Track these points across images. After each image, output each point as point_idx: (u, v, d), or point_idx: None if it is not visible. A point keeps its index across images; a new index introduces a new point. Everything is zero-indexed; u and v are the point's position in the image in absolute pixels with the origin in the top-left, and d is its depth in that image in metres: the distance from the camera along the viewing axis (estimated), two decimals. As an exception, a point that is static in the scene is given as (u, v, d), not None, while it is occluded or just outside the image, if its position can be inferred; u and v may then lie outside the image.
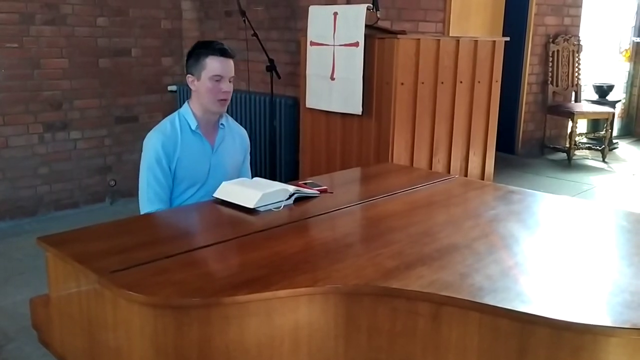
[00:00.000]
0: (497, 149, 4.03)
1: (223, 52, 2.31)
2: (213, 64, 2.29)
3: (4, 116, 4.13)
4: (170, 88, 4.96)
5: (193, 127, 2.37)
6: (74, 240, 1.69)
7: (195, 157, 2.37)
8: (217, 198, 2.05)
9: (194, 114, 2.38)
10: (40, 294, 1.81)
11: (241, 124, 2.68)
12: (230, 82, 2.34)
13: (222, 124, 2.47)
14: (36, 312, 1.78)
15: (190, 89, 2.39)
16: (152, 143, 2.31)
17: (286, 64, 4.25)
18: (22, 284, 3.27)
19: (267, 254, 1.62)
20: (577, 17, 6.26)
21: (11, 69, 4.11)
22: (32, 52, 4.19)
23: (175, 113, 2.42)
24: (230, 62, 2.34)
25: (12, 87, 4.13)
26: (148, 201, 2.29)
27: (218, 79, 2.30)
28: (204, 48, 2.33)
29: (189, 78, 2.36)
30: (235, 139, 2.54)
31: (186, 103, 2.42)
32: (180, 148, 2.34)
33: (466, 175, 3.76)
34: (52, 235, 1.70)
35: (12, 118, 4.17)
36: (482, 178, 3.87)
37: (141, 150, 2.34)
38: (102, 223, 1.90)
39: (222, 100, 2.34)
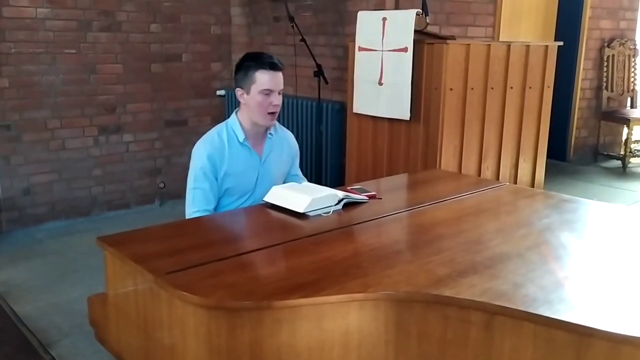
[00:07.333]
0: (548, 155, 3.94)
1: (272, 66, 2.28)
2: (263, 78, 2.27)
3: (62, 119, 4.29)
4: (218, 92, 5.05)
5: (241, 140, 2.37)
6: (131, 241, 1.74)
7: (243, 169, 2.37)
8: (267, 202, 2.08)
9: (242, 126, 2.37)
10: (94, 292, 1.87)
11: (288, 129, 2.66)
12: (279, 94, 2.33)
13: (270, 133, 2.46)
14: (94, 309, 1.84)
15: (239, 101, 2.37)
16: (199, 154, 2.33)
17: (333, 68, 4.27)
18: (77, 281, 3.38)
19: (317, 258, 1.63)
20: (634, 20, 6.06)
21: (69, 74, 4.27)
22: (89, 58, 4.34)
23: (223, 124, 2.41)
24: (280, 75, 2.32)
25: (70, 91, 4.29)
26: (192, 211, 2.30)
27: (268, 92, 2.28)
28: (253, 61, 2.30)
29: (238, 91, 2.35)
30: (283, 146, 2.54)
31: (234, 114, 2.41)
32: (227, 161, 2.34)
33: (516, 183, 3.69)
34: (110, 236, 1.76)
35: (69, 121, 4.33)
36: (533, 185, 3.79)
37: (189, 154, 2.38)
38: (157, 225, 1.96)
39: (271, 113, 2.34)
